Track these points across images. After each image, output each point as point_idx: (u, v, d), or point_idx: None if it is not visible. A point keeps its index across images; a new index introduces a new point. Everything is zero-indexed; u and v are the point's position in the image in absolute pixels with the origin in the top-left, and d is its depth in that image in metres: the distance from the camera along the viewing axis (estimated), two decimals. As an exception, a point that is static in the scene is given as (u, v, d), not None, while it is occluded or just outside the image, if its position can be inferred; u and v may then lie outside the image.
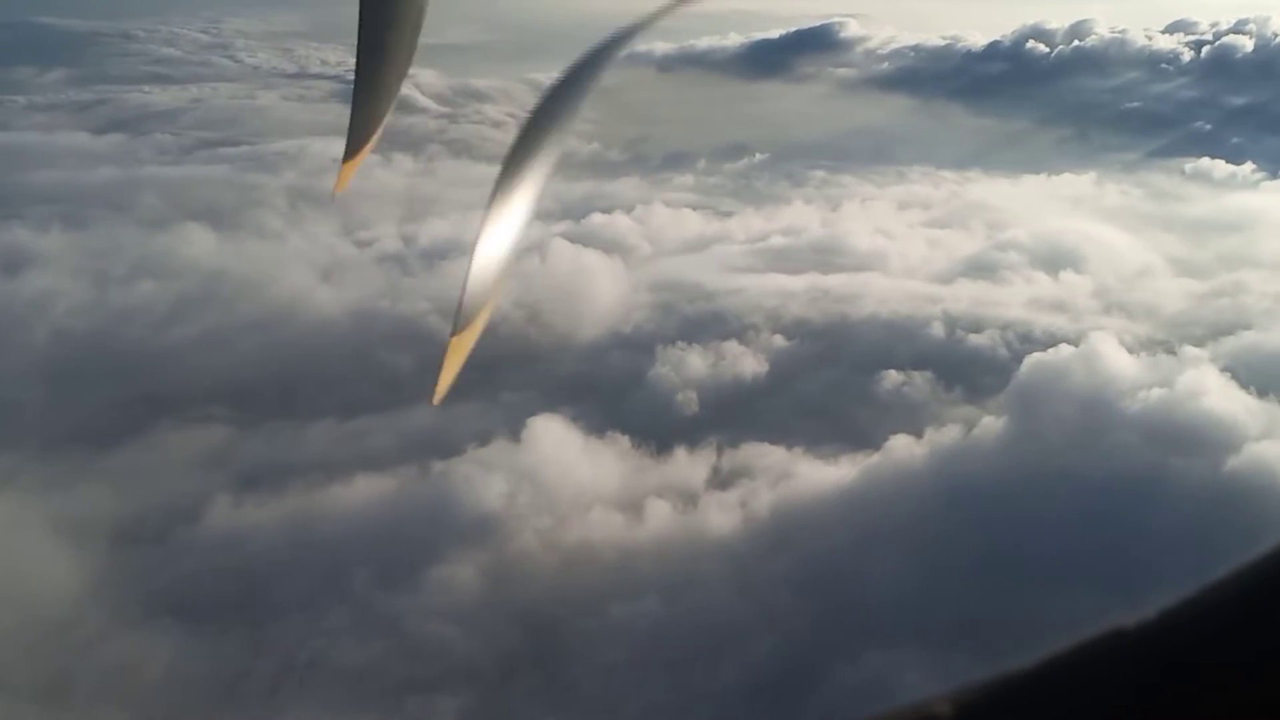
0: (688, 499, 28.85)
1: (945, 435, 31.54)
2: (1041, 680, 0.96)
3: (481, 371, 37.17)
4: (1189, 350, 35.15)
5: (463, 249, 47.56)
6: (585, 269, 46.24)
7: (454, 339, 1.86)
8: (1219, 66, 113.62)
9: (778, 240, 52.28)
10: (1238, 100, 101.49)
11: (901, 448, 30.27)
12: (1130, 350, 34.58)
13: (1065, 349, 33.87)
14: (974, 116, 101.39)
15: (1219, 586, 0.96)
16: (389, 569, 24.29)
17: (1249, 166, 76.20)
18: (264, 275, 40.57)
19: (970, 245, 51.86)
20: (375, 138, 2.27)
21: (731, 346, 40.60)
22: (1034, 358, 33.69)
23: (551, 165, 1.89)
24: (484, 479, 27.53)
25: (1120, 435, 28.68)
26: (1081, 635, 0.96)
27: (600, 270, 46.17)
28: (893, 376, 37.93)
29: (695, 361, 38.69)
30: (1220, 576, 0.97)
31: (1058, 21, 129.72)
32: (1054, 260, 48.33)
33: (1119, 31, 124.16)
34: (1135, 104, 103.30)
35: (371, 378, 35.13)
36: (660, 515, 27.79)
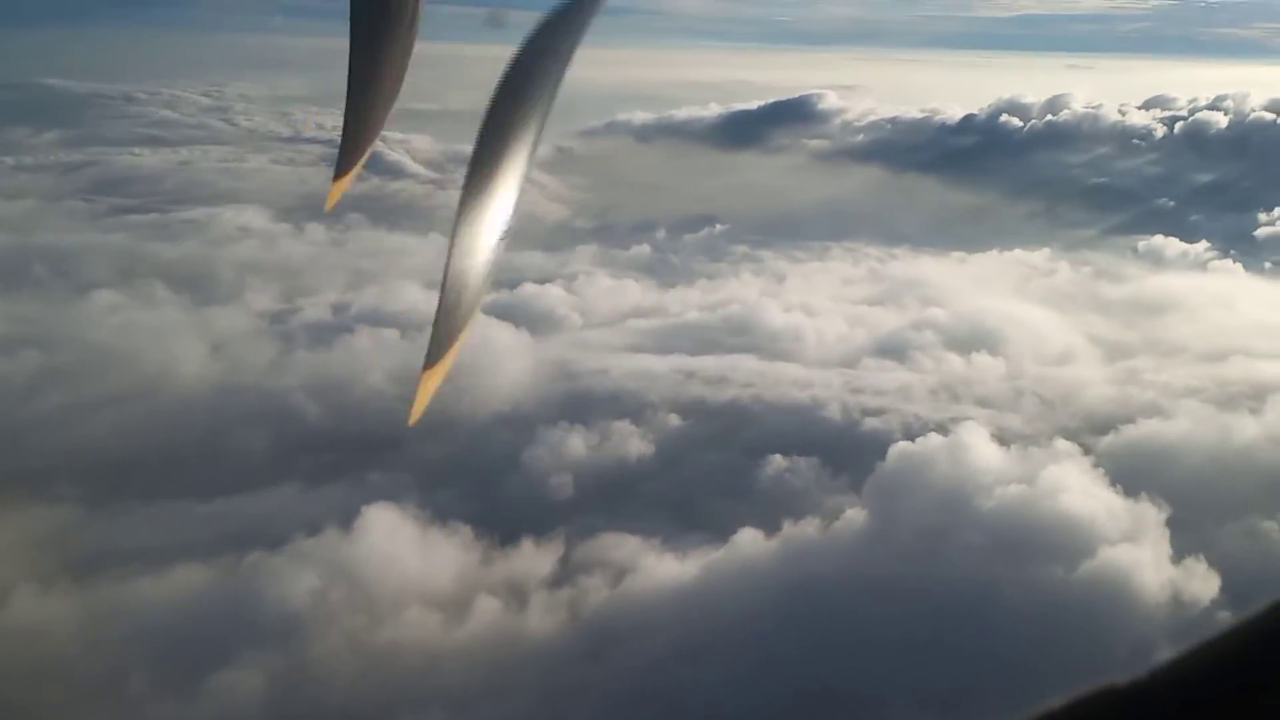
0: (520, 597, 27.35)
1: (803, 528, 30.05)
2: None
3: (352, 450, 36.06)
4: (1060, 443, 33.61)
5: (356, 322, 46.69)
6: (491, 343, 45.13)
7: (425, 372, 1.74)
8: (1191, 143, 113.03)
9: (699, 316, 51.23)
10: (1203, 177, 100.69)
11: (748, 542, 28.76)
12: (1004, 441, 33.16)
13: (934, 438, 32.45)
14: (941, 190, 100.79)
15: (1210, 646, 0.96)
16: (171, 673, 22.83)
17: (1202, 245, 75.01)
18: (139, 347, 39.66)
19: (892, 323, 50.63)
20: (364, 157, 2.16)
21: (623, 426, 39.29)
22: (899, 447, 32.29)
23: (523, 174, 1.67)
24: (298, 573, 26.11)
25: (969, 536, 27.15)
26: (1073, 694, 0.95)
27: (507, 344, 45.04)
28: (778, 462, 36.50)
29: (577, 443, 37.35)
30: (1211, 636, 0.96)
31: (1034, 95, 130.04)
32: (970, 341, 47.02)
33: (1093, 107, 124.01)
34: (1102, 179, 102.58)
35: (227, 457, 33.94)
36: (484, 615, 26.29)
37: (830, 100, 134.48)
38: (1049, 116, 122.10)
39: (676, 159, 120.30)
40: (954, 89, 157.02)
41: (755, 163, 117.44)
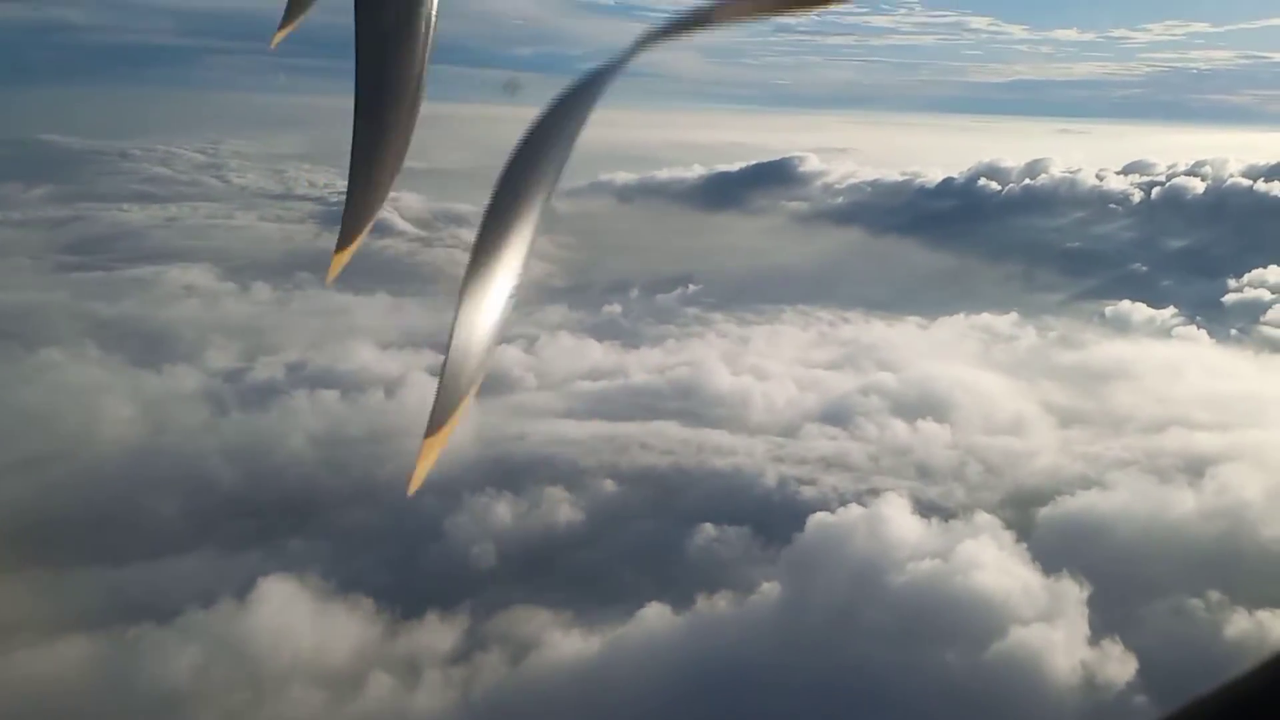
0: (414, 674, 26.42)
1: (716, 603, 29.16)
2: None
3: (276, 516, 35.28)
4: (982, 517, 32.77)
5: (293, 383, 46.05)
6: (430, 405, 44.50)
7: (427, 440, 1.64)
8: (1167, 208, 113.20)
9: (648, 379, 50.62)
10: (1177, 243, 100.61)
11: (654, 618, 27.88)
12: (929, 512, 32.35)
13: (855, 510, 31.64)
14: (915, 253, 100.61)
15: (1209, 699, 0.96)
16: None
17: (1169, 311, 74.53)
18: (66, 407, 39.02)
19: (842, 388, 49.98)
20: (368, 226, 2.06)
21: (556, 493, 38.53)
22: (818, 519, 31.47)
23: (534, 231, 1.66)
24: (183, 647, 25.22)
25: (878, 615, 26.26)
26: None
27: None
28: (708, 532, 35.68)
29: (505, 510, 36.56)
30: (1210, 690, 0.96)
31: (1016, 160, 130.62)
32: (918, 408, 46.35)
33: (1072, 171, 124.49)
34: (1076, 244, 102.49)
35: (149, 522, 33.11)
36: (373, 693, 25.35)
37: (811, 163, 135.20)
38: (1027, 181, 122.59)
39: (656, 219, 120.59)
40: (944, 152, 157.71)
41: (734, 224, 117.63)
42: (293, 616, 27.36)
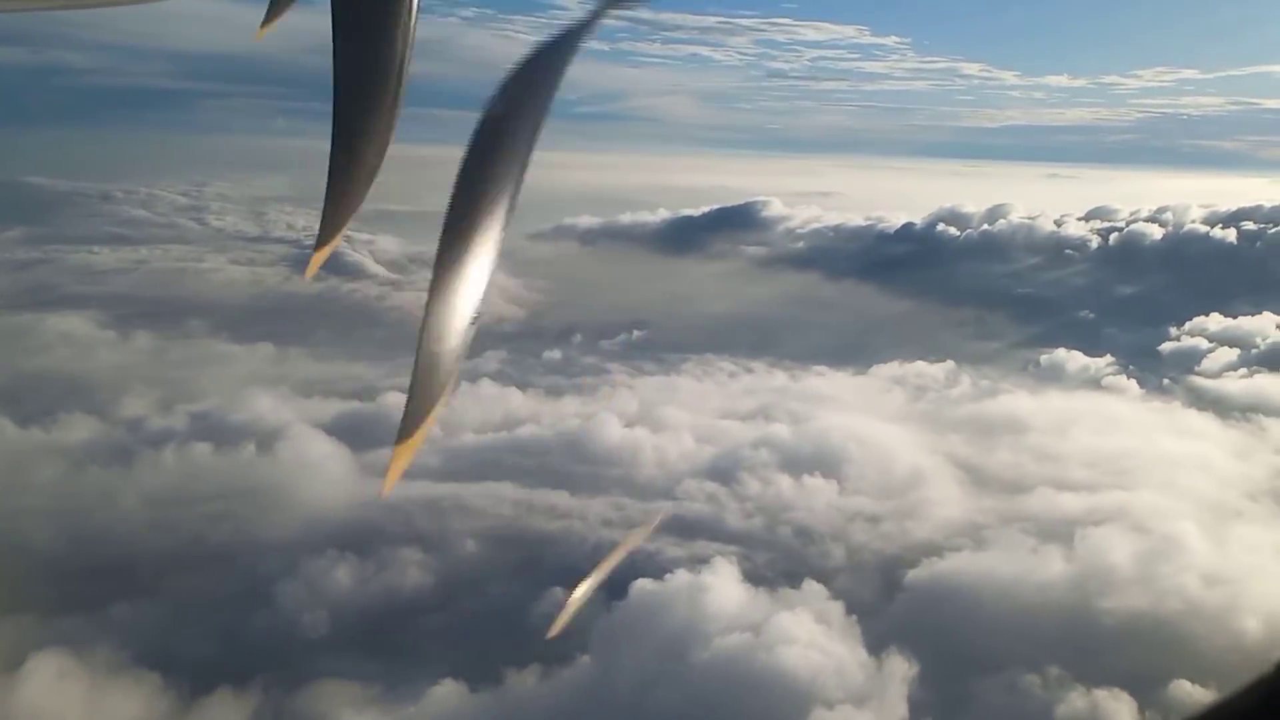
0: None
1: (525, 677, 27.35)
2: None
3: (109, 579, 33.48)
4: (811, 585, 30.92)
5: (145, 438, 44.30)
6: (299, 460, 42.95)
7: (398, 446, 1.73)
8: (1124, 254, 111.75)
9: (537, 432, 48.96)
10: (1127, 289, 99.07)
11: (447, 695, 26.04)
12: (762, 579, 30.53)
13: (682, 576, 29.82)
14: (865, 299, 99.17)
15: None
16: None
17: (1105, 360, 72.77)
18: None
19: (738, 441, 48.25)
20: (346, 224, 2.07)
21: (409, 554, 36.77)
22: (639, 586, 29.60)
23: (505, 220, 1.70)
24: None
25: (675, 693, 24.42)
26: None
27: (315, 461, 42.80)
28: (557, 596, 33.80)
29: (347, 573, 34.78)
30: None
31: (974, 205, 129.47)
32: (809, 462, 44.64)
33: (1030, 217, 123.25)
34: (1027, 290, 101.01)
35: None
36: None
37: (775, 207, 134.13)
38: (985, 226, 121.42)
39: (614, 264, 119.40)
40: (930, 197, 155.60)
41: (691, 269, 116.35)
42: (59, 695, 25.55)
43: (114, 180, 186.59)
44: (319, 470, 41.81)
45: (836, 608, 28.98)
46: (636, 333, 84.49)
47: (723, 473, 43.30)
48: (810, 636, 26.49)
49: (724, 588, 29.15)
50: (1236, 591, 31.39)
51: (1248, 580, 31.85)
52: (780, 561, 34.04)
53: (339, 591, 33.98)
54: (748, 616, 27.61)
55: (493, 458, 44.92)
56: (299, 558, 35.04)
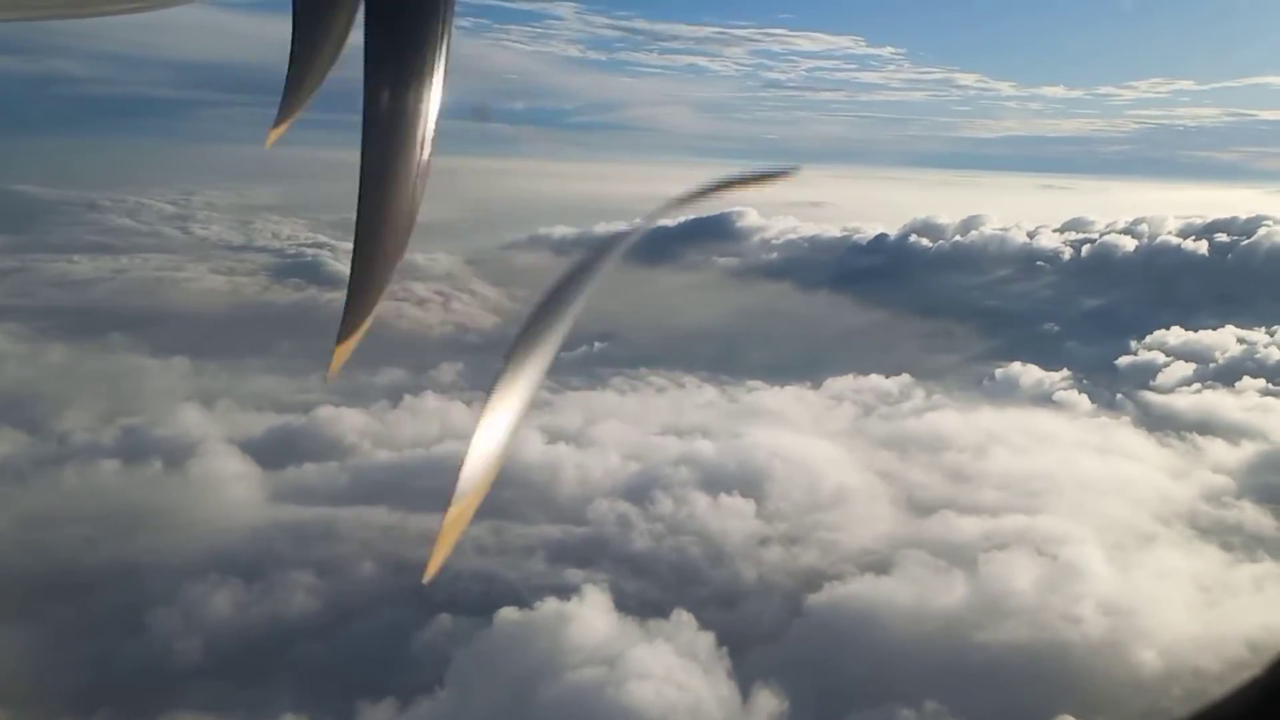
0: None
1: (381, 710, 26.13)
2: None
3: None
4: (681, 615, 29.60)
5: (46, 458, 43.08)
6: (203, 477, 41.83)
7: (339, 345, 1.86)
8: (1095, 266, 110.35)
9: (459, 448, 47.63)
10: (1094, 302, 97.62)
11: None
12: (631, 609, 29.24)
13: (552, 604, 28.55)
14: (831, 311, 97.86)
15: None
16: None
17: (1061, 374, 71.37)
18: None
19: (664, 458, 47.01)
20: (370, 318, 2.01)
21: (300, 578, 35.54)
22: (504, 614, 28.36)
23: (556, 349, 1.94)
24: None
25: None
26: None
27: (221, 479, 41.65)
28: (443, 624, 32.62)
29: (227, 598, 33.56)
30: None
31: (949, 217, 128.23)
32: (730, 480, 43.43)
33: (1003, 229, 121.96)
34: (994, 302, 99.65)
35: None
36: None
37: (751, 218, 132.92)
38: (957, 238, 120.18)
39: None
40: (921, 207, 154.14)
41: (662, 280, 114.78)
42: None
43: (104, 189, 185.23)
44: (222, 489, 40.66)
45: (706, 639, 27.73)
46: (598, 344, 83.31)
47: (637, 492, 42.05)
48: (669, 671, 25.27)
49: (591, 617, 27.93)
50: (1134, 622, 30.13)
51: (1147, 610, 30.58)
52: (673, 587, 32.73)
53: (218, 618, 32.75)
54: (609, 648, 26.38)
55: (400, 478, 43.44)
56: (182, 582, 33.83)
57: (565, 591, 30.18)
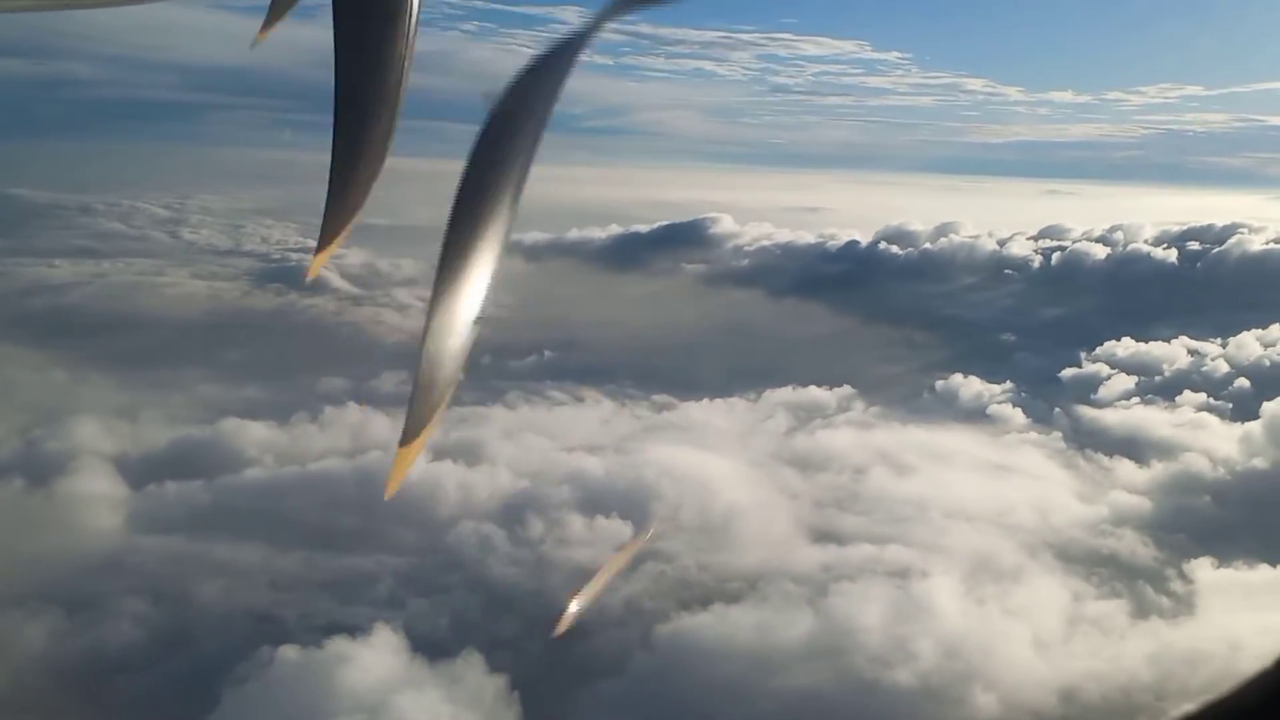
0: None
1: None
2: None
3: None
4: (471, 656, 27.58)
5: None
6: (68, 499, 40.18)
7: (402, 449, 1.74)
8: (1063, 274, 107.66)
9: (338, 464, 45.86)
10: (1054, 312, 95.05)
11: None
12: (427, 647, 27.35)
13: (339, 643, 26.67)
14: (789, 320, 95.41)
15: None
16: None
17: (1003, 386, 68.98)
18: None
19: (550, 476, 45.09)
20: (349, 227, 2.00)
21: (132, 605, 33.67)
22: (284, 652, 26.48)
23: (507, 225, 1.72)
24: None
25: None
26: None
27: (82, 502, 39.99)
28: (262, 656, 30.65)
29: (43, 627, 31.81)
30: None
31: (921, 224, 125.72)
32: (614, 501, 41.52)
33: (973, 236, 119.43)
34: (953, 311, 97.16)
35: None
36: None
37: (725, 224, 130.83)
38: (927, 245, 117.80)
39: (553, 280, 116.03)
40: (921, 212, 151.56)
41: (629, 287, 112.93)
42: None
43: (100, 193, 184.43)
44: (79, 510, 38.98)
45: (496, 682, 25.80)
46: (548, 353, 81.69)
47: (510, 514, 40.16)
48: (434, 718, 23.39)
49: (371, 658, 26.03)
50: (977, 660, 28.08)
51: (992, 648, 28.51)
52: (505, 620, 30.73)
53: (31, 649, 31.01)
54: (376, 694, 24.48)
55: (271, 499, 41.64)
56: (15, 605, 32.15)
57: (368, 627, 28.30)
